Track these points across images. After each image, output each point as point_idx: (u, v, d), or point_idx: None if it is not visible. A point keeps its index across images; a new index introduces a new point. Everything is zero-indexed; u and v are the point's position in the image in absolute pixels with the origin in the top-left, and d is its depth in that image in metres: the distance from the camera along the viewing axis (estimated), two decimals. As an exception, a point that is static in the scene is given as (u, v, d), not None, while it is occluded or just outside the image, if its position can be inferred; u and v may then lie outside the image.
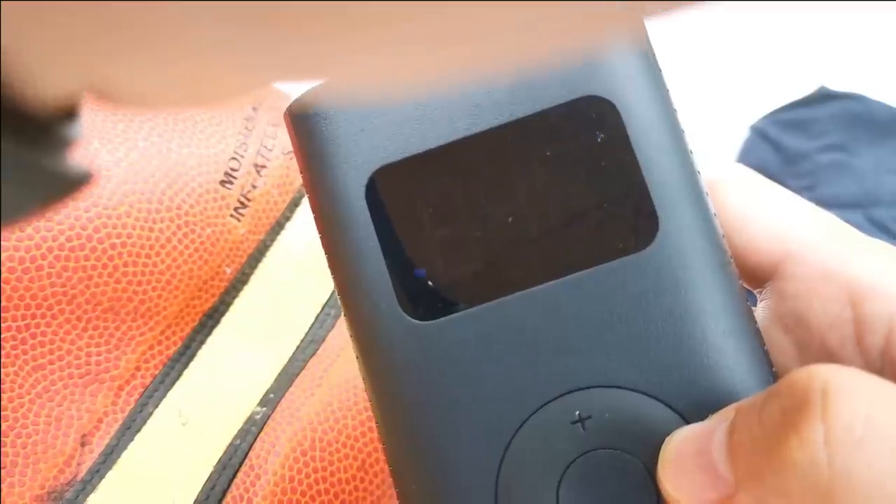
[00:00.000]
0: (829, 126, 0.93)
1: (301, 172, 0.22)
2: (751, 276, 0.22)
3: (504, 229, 0.21)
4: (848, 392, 0.16)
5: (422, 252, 0.21)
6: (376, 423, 0.21)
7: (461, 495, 0.20)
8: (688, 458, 0.18)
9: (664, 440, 0.19)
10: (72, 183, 0.12)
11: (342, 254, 0.21)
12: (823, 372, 0.17)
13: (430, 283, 0.21)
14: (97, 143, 0.33)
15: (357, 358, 0.21)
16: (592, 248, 0.20)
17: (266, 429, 0.33)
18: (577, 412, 0.20)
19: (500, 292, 0.20)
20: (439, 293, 0.21)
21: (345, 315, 0.22)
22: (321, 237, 0.22)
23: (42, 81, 0.11)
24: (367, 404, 0.35)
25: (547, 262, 0.21)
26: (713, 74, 0.93)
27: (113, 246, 0.32)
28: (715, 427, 0.18)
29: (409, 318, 0.21)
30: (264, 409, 0.33)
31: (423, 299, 0.21)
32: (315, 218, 0.22)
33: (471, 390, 0.20)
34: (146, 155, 0.33)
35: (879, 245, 0.22)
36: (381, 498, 0.34)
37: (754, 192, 0.22)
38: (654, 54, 0.21)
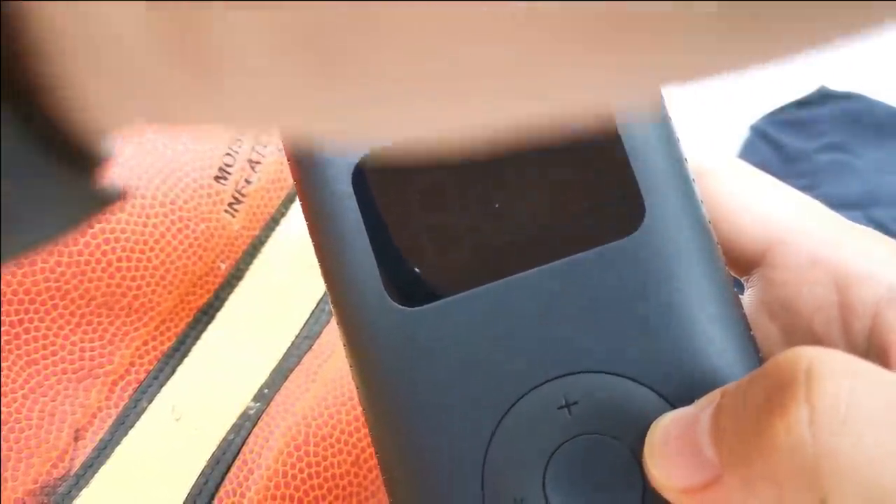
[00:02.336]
0: (829, 126, 0.93)
1: (288, 161, 0.22)
2: (738, 264, 0.22)
3: (490, 216, 0.21)
4: (832, 373, 0.16)
5: (408, 239, 0.21)
6: (363, 410, 0.21)
7: (448, 481, 0.20)
8: (674, 441, 0.18)
9: (650, 424, 0.19)
10: (106, 202, 0.12)
11: (329, 242, 0.21)
12: (807, 353, 0.17)
13: (416, 269, 0.21)
14: (91, 138, 0.33)
15: (344, 345, 0.21)
16: (578, 235, 0.20)
17: (260, 424, 0.33)
18: (564, 397, 0.20)
19: (486, 278, 0.20)
20: (425, 280, 0.21)
21: (331, 302, 0.22)
22: (308, 226, 0.22)
23: (108, 117, 0.11)
24: (362, 399, 0.35)
25: (533, 248, 0.21)
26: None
27: (107, 241, 0.32)
28: (701, 411, 0.18)
29: (396, 304, 0.21)
30: (258, 404, 0.33)
31: (410, 286, 0.21)
32: (302, 207, 0.22)
33: (457, 376, 0.20)
34: (140, 150, 0.33)
35: (866, 231, 0.22)
36: (376, 493, 0.34)
37: (742, 181, 0.22)
38: None
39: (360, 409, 0.34)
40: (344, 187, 0.21)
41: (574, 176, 0.21)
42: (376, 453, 0.21)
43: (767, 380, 0.17)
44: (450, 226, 0.21)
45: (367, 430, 0.34)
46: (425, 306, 0.20)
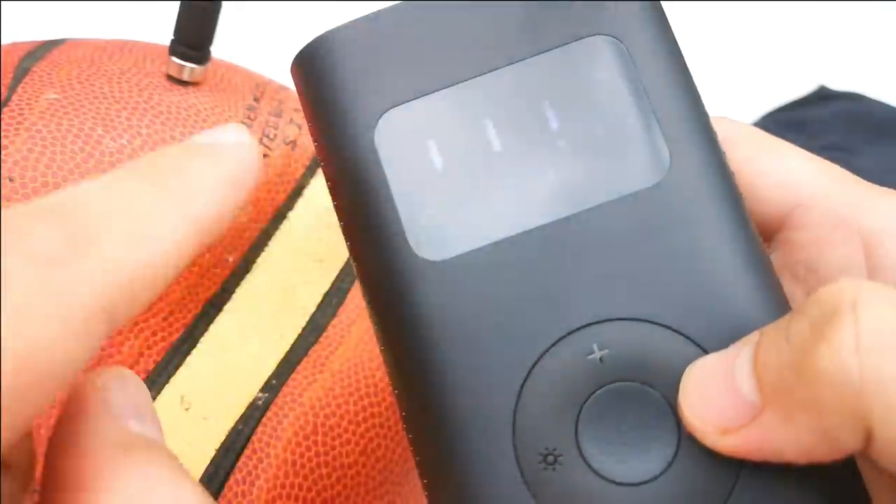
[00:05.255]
0: (829, 126, 0.93)
1: (308, 122, 0.22)
2: (760, 229, 0.22)
3: (514, 166, 0.21)
4: (878, 301, 0.16)
5: (432, 191, 0.21)
6: (388, 368, 0.21)
7: (478, 434, 0.20)
8: (710, 383, 0.18)
9: (683, 370, 0.19)
10: None
11: (352, 199, 0.21)
12: (852, 284, 0.17)
13: (441, 221, 0.21)
14: (100, 130, 0.33)
15: (368, 304, 0.21)
16: (605, 183, 0.21)
17: (268, 414, 0.33)
18: (595, 345, 0.20)
19: (512, 228, 0.20)
20: (450, 231, 0.21)
21: (354, 260, 0.21)
22: (329, 186, 0.22)
23: None
24: (369, 390, 0.35)
25: (559, 197, 0.21)
26: (712, 74, 0.94)
27: (116, 232, 0.32)
28: (737, 352, 0.18)
29: (421, 256, 0.20)
30: (266, 394, 0.34)
31: (435, 238, 0.21)
32: (323, 167, 0.22)
33: (485, 327, 0.20)
34: (149, 142, 0.34)
35: (888, 191, 0.22)
36: (383, 483, 0.34)
37: (761, 147, 0.22)
38: None
39: (367, 400, 0.35)
40: (367, 143, 0.21)
41: (599, 126, 0.21)
42: (401, 411, 0.21)
43: (811, 311, 0.17)
44: (473, 177, 0.21)
45: (374, 422, 0.34)
46: (451, 257, 0.20)
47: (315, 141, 0.22)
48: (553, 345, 0.20)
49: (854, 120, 0.94)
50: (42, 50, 0.36)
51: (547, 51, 0.21)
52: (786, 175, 0.22)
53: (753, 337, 0.18)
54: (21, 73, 0.35)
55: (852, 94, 0.94)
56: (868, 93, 0.94)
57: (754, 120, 0.96)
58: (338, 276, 0.37)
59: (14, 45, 0.37)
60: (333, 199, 0.22)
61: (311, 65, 0.22)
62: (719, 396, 0.18)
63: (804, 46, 0.97)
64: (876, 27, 0.97)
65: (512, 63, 0.21)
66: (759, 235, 0.21)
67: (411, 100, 0.21)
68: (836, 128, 0.93)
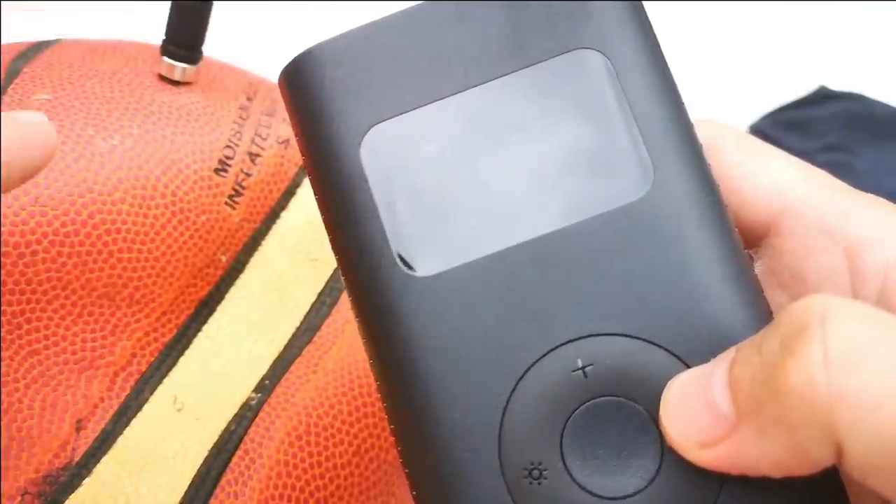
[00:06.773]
0: (829, 126, 0.93)
1: (295, 135, 0.22)
2: (746, 235, 0.22)
3: (499, 182, 0.21)
4: (846, 316, 0.16)
5: (418, 207, 0.21)
6: (376, 381, 0.21)
7: (465, 449, 0.20)
8: (689, 398, 0.18)
9: (666, 385, 0.19)
10: None
11: (338, 213, 0.21)
12: (822, 299, 0.17)
13: (426, 237, 0.21)
14: (91, 130, 0.33)
15: (356, 317, 0.21)
16: (588, 198, 0.21)
17: (261, 414, 0.33)
18: (579, 360, 0.20)
19: (496, 244, 0.21)
20: (436, 247, 0.21)
21: (342, 273, 0.22)
22: (317, 198, 0.22)
23: None
24: (362, 390, 0.35)
25: (543, 212, 0.21)
26: (712, 74, 0.94)
27: (108, 232, 0.32)
28: (715, 368, 0.18)
29: (408, 271, 0.21)
30: (260, 395, 0.33)
31: (421, 253, 0.21)
32: (311, 180, 0.22)
33: (471, 343, 0.20)
34: (141, 142, 0.33)
35: (873, 198, 0.22)
36: (377, 483, 0.34)
37: (747, 151, 0.22)
38: (643, 8, 0.22)
39: (360, 400, 0.34)
40: (353, 157, 0.21)
41: (582, 141, 0.21)
42: (390, 424, 0.21)
43: (781, 327, 0.17)
44: (459, 192, 0.21)
45: (367, 422, 0.34)
46: (437, 273, 0.20)
47: (302, 154, 0.22)
48: (538, 360, 0.20)
49: (854, 120, 0.93)
50: (34, 51, 0.36)
51: (531, 65, 0.21)
52: (772, 181, 0.22)
53: (730, 352, 0.18)
54: (12, 73, 0.35)
55: (853, 95, 0.94)
56: (868, 93, 0.94)
57: (755, 120, 0.96)
58: (332, 276, 0.37)
59: (7, 46, 0.37)
60: (321, 213, 0.22)
61: (297, 79, 0.22)
62: (697, 411, 0.18)
63: (804, 47, 0.97)
64: (876, 27, 0.97)
65: (496, 78, 0.21)
66: (743, 248, 0.21)
67: (397, 115, 0.21)
68: (837, 128, 0.93)
